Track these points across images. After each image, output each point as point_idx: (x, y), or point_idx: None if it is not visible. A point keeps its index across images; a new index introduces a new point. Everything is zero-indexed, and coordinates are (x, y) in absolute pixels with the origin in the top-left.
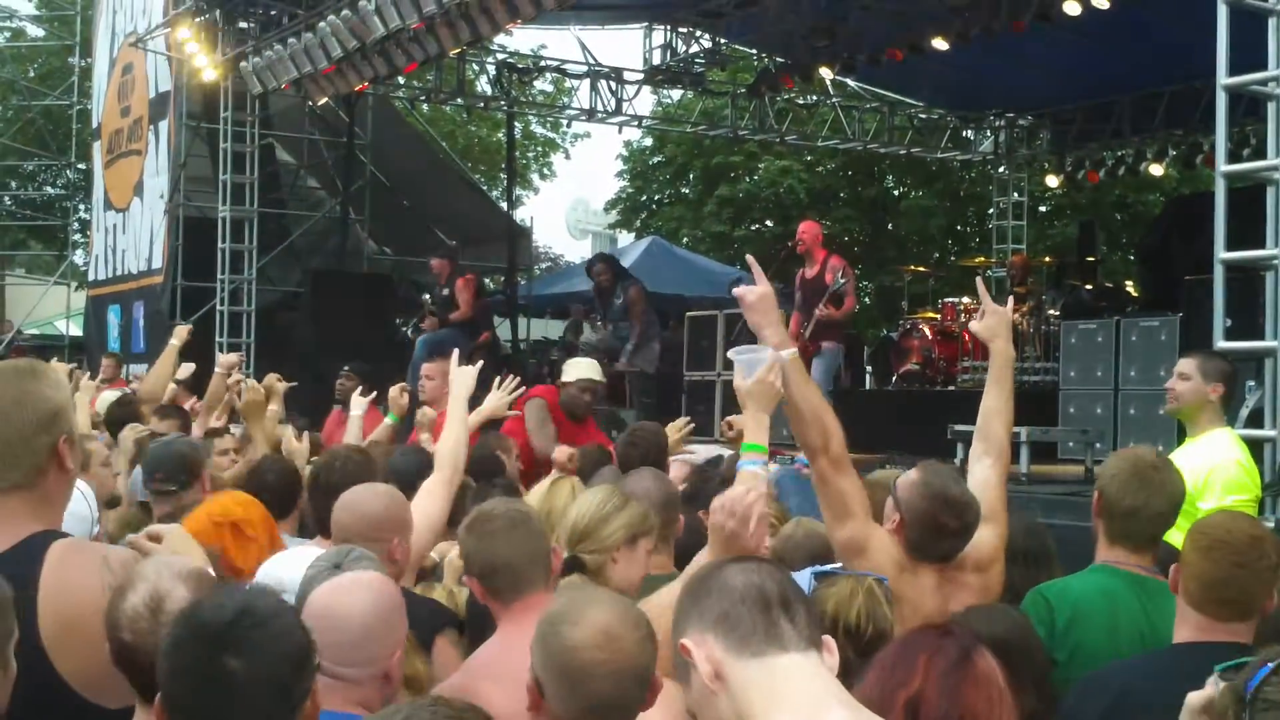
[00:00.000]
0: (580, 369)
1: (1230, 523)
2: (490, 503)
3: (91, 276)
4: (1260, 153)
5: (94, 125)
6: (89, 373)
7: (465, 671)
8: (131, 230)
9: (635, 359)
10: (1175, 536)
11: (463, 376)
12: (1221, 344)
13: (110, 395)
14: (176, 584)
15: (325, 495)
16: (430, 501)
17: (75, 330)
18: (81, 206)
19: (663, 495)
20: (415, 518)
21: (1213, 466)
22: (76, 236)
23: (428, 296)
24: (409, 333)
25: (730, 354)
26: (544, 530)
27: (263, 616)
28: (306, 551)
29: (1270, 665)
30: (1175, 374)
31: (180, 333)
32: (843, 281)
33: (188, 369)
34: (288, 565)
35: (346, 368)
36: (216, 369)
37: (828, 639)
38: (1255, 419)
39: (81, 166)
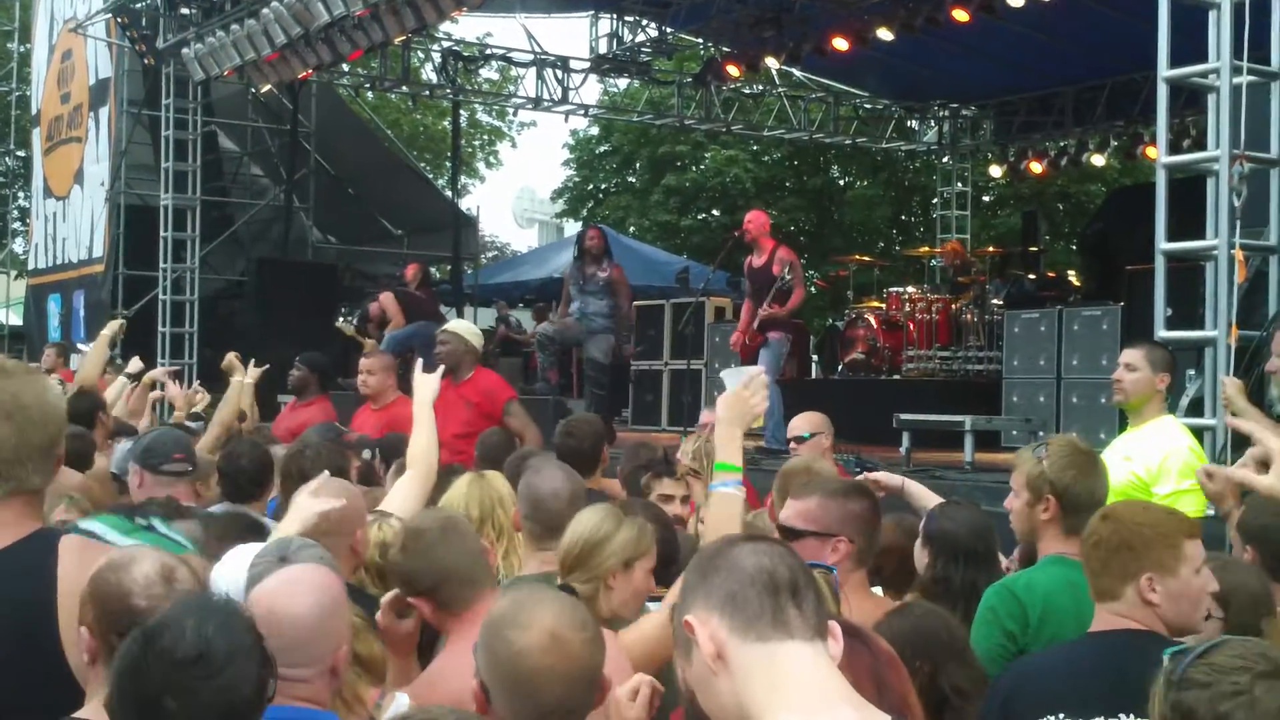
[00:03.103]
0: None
1: (1111, 510)
2: (416, 518)
3: (31, 265)
4: (1200, 144)
5: (33, 112)
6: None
7: (428, 676)
8: (72, 218)
9: (598, 344)
10: None
11: (426, 382)
12: (1162, 333)
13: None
14: (179, 563)
15: (297, 483)
16: (403, 499)
17: (15, 320)
18: (21, 194)
19: (570, 491)
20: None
21: (1166, 453)
22: (16, 225)
23: (352, 320)
24: (353, 322)
25: (722, 374)
26: (474, 533)
27: (219, 665)
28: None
29: (1194, 652)
30: (1121, 365)
31: (112, 326)
32: (788, 278)
33: (136, 365)
34: (234, 569)
35: (298, 358)
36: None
37: (833, 624)
38: (1195, 407)
39: (21, 154)
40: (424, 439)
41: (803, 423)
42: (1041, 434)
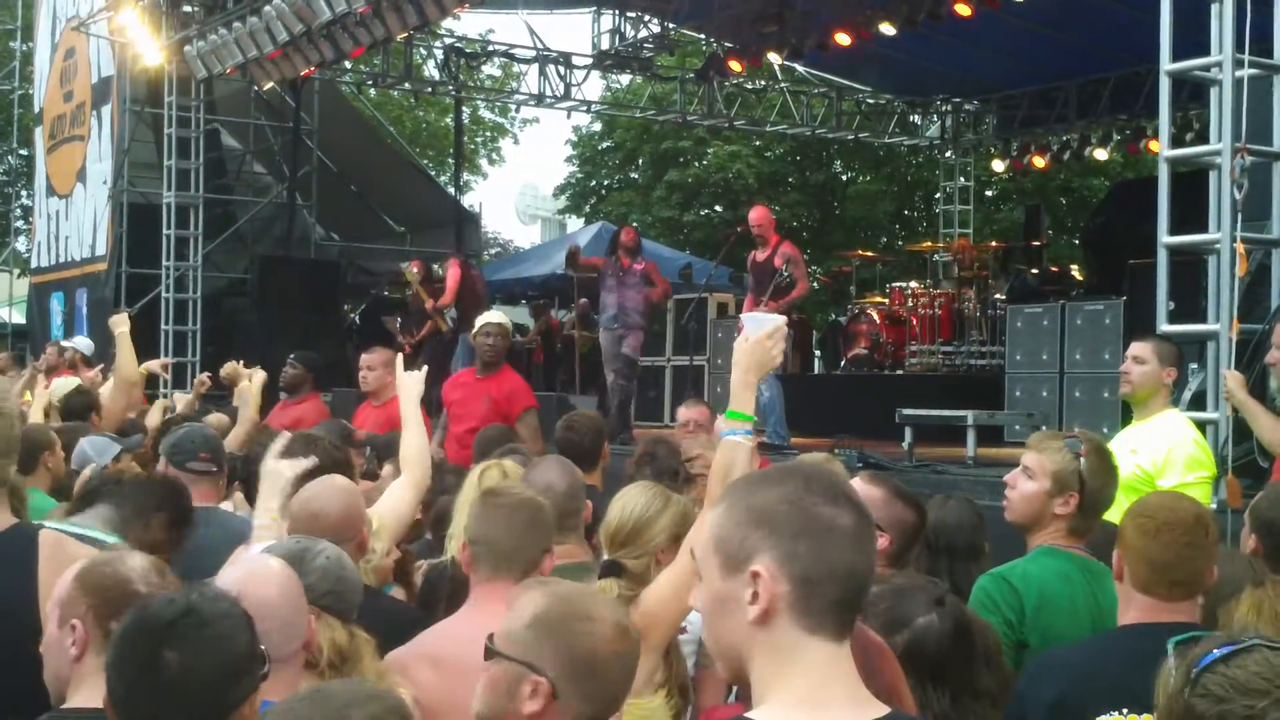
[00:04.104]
0: (486, 315)
1: (1172, 504)
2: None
3: (34, 264)
4: (1203, 137)
5: (36, 110)
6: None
7: (413, 645)
8: (74, 217)
9: (631, 342)
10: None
11: (409, 382)
12: (1165, 327)
13: (63, 382)
14: (162, 562)
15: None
16: (398, 502)
17: (18, 318)
18: (24, 193)
19: (567, 485)
20: (385, 516)
21: (1172, 445)
22: (19, 223)
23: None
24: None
25: (742, 317)
26: (548, 528)
27: (207, 618)
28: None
29: (1218, 653)
30: (1129, 358)
31: (120, 321)
32: (786, 273)
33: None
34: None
35: (293, 356)
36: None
37: None
38: (1198, 401)
39: (24, 152)
40: (415, 439)
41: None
42: (1044, 427)
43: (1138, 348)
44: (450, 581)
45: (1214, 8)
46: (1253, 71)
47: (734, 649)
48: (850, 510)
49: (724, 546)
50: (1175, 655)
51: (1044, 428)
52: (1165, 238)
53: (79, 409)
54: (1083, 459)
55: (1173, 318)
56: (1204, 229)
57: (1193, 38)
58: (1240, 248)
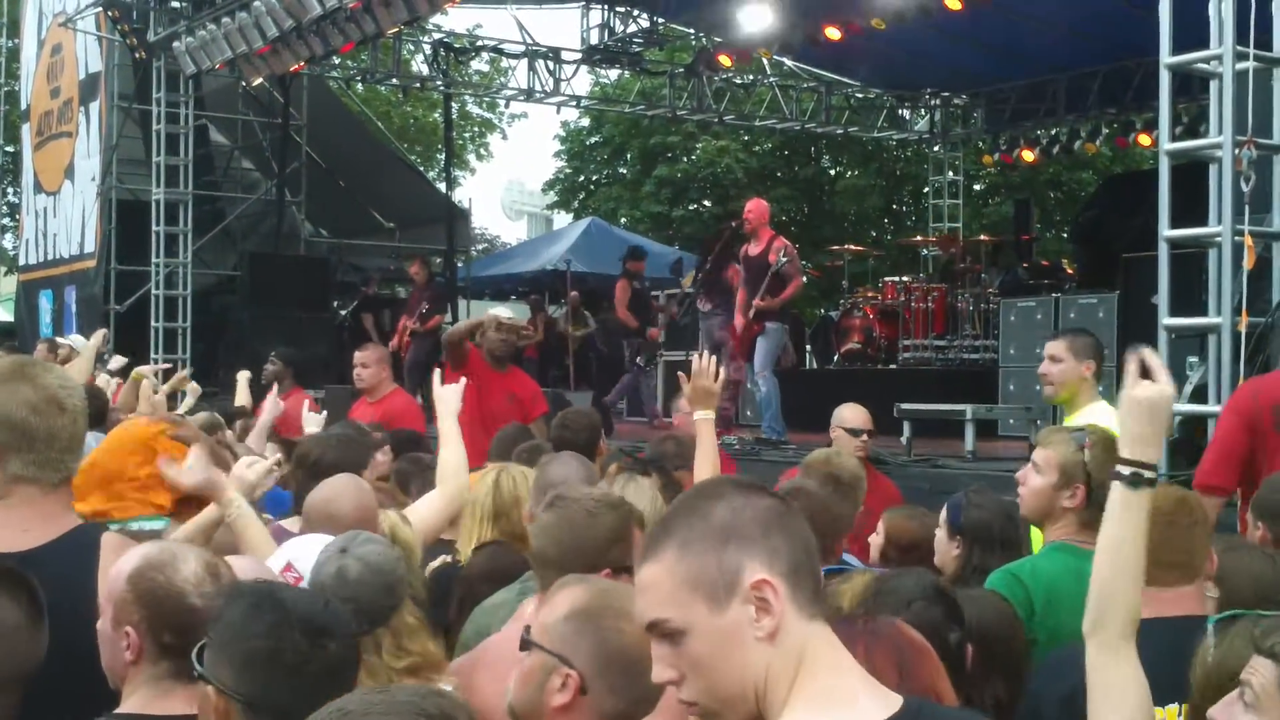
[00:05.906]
0: (495, 311)
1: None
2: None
3: (22, 261)
4: (1192, 130)
5: (23, 107)
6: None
7: (474, 653)
8: (63, 214)
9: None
10: None
11: (447, 395)
12: (1166, 320)
13: None
14: (216, 560)
15: (313, 476)
16: (429, 514)
17: (6, 315)
18: (11, 190)
19: (582, 479)
20: (416, 526)
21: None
22: (6, 220)
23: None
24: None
25: None
26: (598, 534)
27: (339, 613)
28: (317, 538)
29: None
30: (1046, 358)
31: (99, 337)
32: (785, 261)
33: (119, 361)
34: (302, 549)
35: (273, 354)
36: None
37: None
38: (1199, 394)
39: (10, 149)
40: (454, 456)
41: None
42: (1040, 422)
43: (1052, 346)
44: (460, 583)
45: (1212, 1)
46: (1253, 65)
47: (750, 684)
48: (770, 492)
49: (702, 582)
50: (1217, 633)
51: (1039, 422)
52: (1166, 231)
53: (96, 412)
54: (1088, 450)
55: (1172, 310)
56: (1196, 223)
57: (1185, 34)
58: (1249, 241)
